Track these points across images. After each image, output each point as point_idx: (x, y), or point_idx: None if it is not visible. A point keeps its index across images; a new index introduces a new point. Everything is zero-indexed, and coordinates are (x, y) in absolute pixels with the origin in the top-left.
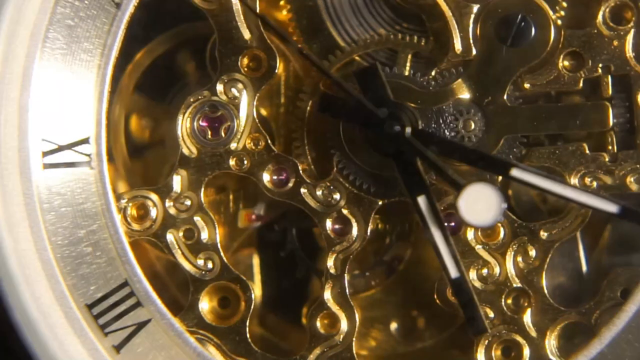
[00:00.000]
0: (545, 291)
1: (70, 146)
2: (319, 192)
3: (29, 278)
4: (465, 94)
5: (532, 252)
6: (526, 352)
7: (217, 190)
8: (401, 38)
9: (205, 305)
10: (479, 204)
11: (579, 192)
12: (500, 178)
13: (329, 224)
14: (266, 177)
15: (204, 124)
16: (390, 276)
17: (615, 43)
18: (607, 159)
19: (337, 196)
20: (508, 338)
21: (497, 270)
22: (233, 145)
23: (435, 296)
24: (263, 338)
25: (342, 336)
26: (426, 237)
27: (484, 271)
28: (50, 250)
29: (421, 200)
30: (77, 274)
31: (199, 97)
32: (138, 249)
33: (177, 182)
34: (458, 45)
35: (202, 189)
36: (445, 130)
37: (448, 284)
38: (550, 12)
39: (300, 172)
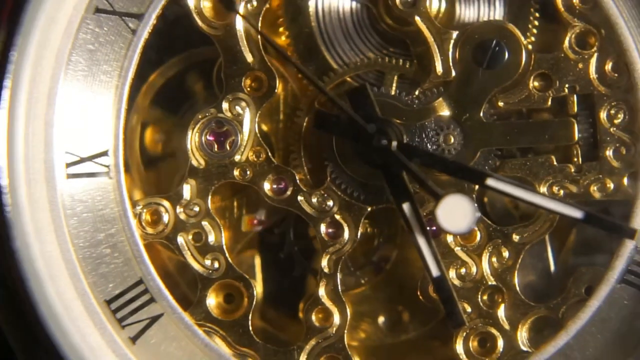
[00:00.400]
0: (517, 288)
1: (90, 158)
2: (314, 200)
3: (53, 276)
4: (445, 112)
5: (506, 254)
6: (500, 343)
7: (222, 198)
8: (388, 61)
9: (212, 301)
10: (455, 213)
11: (547, 200)
12: (477, 187)
13: (323, 228)
14: (267, 186)
15: (211, 138)
16: (378, 275)
17: (580, 65)
18: (572, 170)
19: (330, 203)
20: (484, 330)
21: (474, 269)
22: (237, 158)
23: (419, 293)
24: (264, 330)
25: (334, 329)
26: (410, 240)
27: (462, 270)
28: (73, 251)
29: (406, 207)
30: (97, 273)
31: (207, 114)
32: (152, 250)
33: (187, 190)
34: (439, 68)
35: (209, 197)
36: (428, 144)
37: (430, 281)
38: (522, 38)
39: (298, 181)
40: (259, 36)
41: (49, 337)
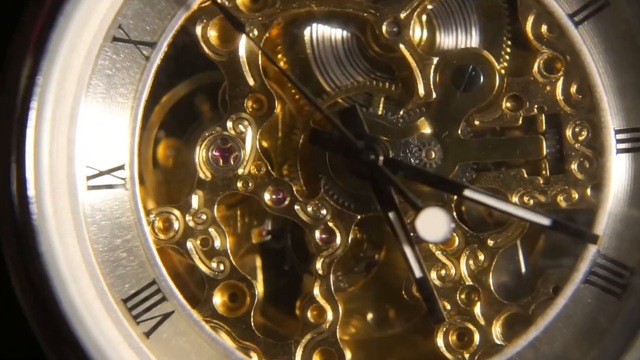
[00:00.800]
0: (492, 288)
1: (109, 171)
2: (309, 209)
3: (75, 277)
4: (427, 129)
5: (481, 257)
6: (476, 337)
7: (227, 207)
8: (375, 84)
9: (218, 299)
10: (433, 223)
11: (518, 209)
12: (455, 197)
13: (317, 234)
14: (267, 197)
15: (217, 153)
16: (367, 276)
17: (548, 88)
18: (541, 182)
19: (324, 212)
20: (462, 326)
21: (452, 271)
22: (240, 171)
23: (403, 292)
24: (264, 326)
25: (328, 325)
26: (396, 245)
27: (442, 272)
28: (93, 255)
29: (392, 215)
30: (115, 275)
31: (213, 132)
32: (164, 254)
33: (195, 200)
34: (421, 90)
35: (215, 206)
36: (411, 159)
37: (413, 282)
38: (496, 64)
39: (294, 192)
40: (260, 62)
41: (71, 332)
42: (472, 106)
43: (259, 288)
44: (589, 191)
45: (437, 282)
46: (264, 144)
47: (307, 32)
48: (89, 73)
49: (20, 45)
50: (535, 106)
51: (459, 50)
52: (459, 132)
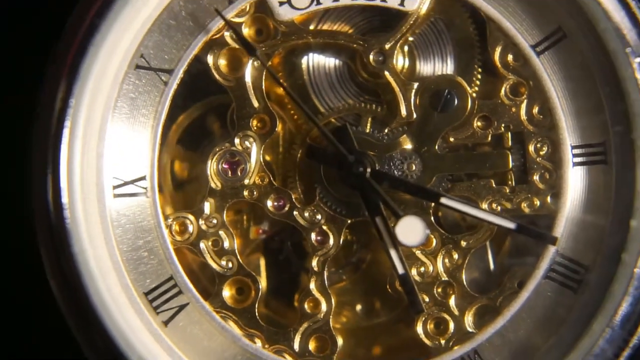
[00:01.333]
0: (464, 283)
1: (132, 182)
2: (306, 214)
3: (103, 274)
4: (408, 145)
5: (455, 256)
6: (451, 325)
7: (235, 213)
8: (364, 106)
9: (227, 293)
10: (411, 230)
11: (487, 214)
12: (433, 204)
13: (313, 236)
14: (269, 203)
15: (226, 166)
16: (356, 273)
17: (514, 109)
18: (507, 191)
19: (319, 216)
20: (438, 316)
21: (430, 268)
22: (246, 181)
23: (388, 286)
24: (267, 316)
25: (322, 314)
26: (381, 246)
27: (422, 269)
28: (119, 254)
29: (378, 220)
30: (137, 271)
31: (222, 147)
32: (180, 253)
33: (207, 206)
34: (403, 111)
35: (225, 212)
36: (395, 171)
37: (396, 278)
38: (468, 88)
39: (293, 200)
40: (263, 87)
41: (99, 321)
42: (447, 125)
43: (263, 283)
44: (549, 199)
45: (417, 278)
46: (267, 157)
47: (304, 61)
48: (115, 96)
49: (55, 72)
50: (502, 125)
51: (436, 76)
52: (436, 147)
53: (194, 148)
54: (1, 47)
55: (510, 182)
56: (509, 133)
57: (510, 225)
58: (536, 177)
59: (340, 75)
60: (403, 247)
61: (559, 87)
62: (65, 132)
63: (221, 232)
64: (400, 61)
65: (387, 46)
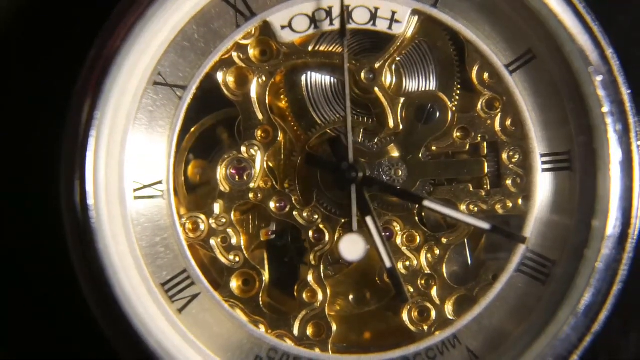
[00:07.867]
0: (445, 275)
1: (150, 185)
2: (304, 214)
3: (125, 267)
4: (395, 153)
5: (437, 251)
6: (433, 313)
7: (241, 213)
8: (356, 119)
9: (234, 284)
10: (352, 246)
11: (465, 215)
12: (417, 206)
13: (310, 233)
14: (272, 205)
15: (233, 171)
16: (349, 266)
17: (489, 122)
18: (483, 194)
19: (316, 216)
20: (422, 305)
21: (415, 262)
22: (251, 185)
23: (377, 278)
24: (270, 305)
25: (318, 303)
26: (371, 242)
27: (407, 263)
28: (138, 250)
29: (368, 219)
30: (155, 265)
31: (230, 155)
32: (192, 249)
33: (217, 207)
34: (391, 123)
35: (232, 212)
36: (383, 176)
37: (385, 270)
38: (449, 102)
39: (293, 201)
40: (267, 101)
41: (121, 309)
42: (430, 135)
43: (266, 275)
44: (520, 201)
45: (403, 271)
46: (270, 164)
47: (303, 78)
48: (135, 109)
49: (82, 88)
50: (479, 135)
51: (420, 92)
52: (420, 155)
53: (205, 155)
54: (35, 70)
55: (485, 186)
56: (485, 143)
57: (486, 225)
58: (509, 182)
59: (336, 91)
60: (391, 244)
61: (529, 102)
62: (91, 142)
63: (229, 230)
64: (389, 78)
65: (377, 65)
